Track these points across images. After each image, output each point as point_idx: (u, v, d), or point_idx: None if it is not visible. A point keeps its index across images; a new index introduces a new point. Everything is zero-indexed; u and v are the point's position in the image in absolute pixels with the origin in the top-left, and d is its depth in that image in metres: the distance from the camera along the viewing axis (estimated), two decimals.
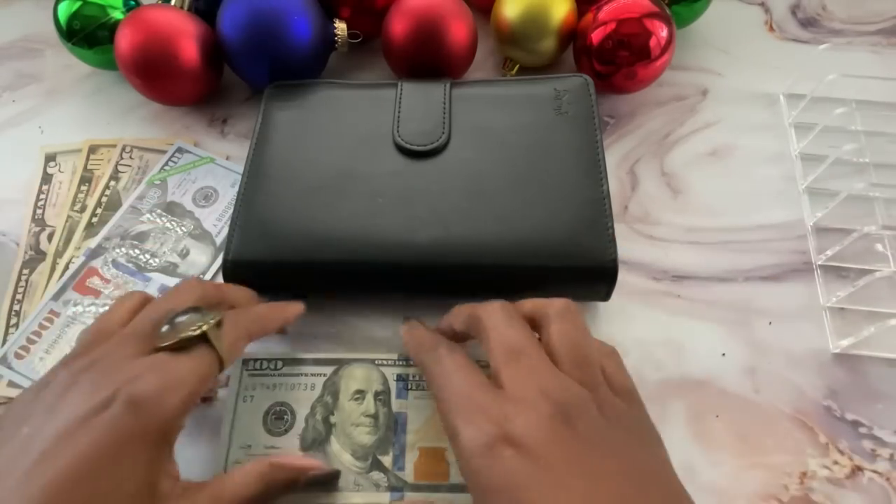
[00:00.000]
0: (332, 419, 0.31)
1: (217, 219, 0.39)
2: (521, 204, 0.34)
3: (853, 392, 0.33)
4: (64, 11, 0.42)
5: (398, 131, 0.37)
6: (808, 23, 0.50)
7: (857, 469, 0.31)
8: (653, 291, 0.36)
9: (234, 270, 0.33)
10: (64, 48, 0.44)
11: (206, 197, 0.40)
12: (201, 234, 0.39)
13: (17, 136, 0.44)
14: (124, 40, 0.39)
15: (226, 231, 0.38)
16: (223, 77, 0.45)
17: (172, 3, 0.43)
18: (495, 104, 0.38)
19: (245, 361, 0.32)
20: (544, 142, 0.36)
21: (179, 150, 0.42)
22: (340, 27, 0.43)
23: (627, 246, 0.38)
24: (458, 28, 0.41)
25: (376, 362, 0.32)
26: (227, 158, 0.42)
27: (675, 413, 0.32)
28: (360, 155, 0.36)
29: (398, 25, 0.41)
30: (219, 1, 0.41)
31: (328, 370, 0.32)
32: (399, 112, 0.37)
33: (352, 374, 0.32)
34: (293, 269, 0.33)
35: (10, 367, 0.34)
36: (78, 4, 0.42)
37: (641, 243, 0.38)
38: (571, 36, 0.44)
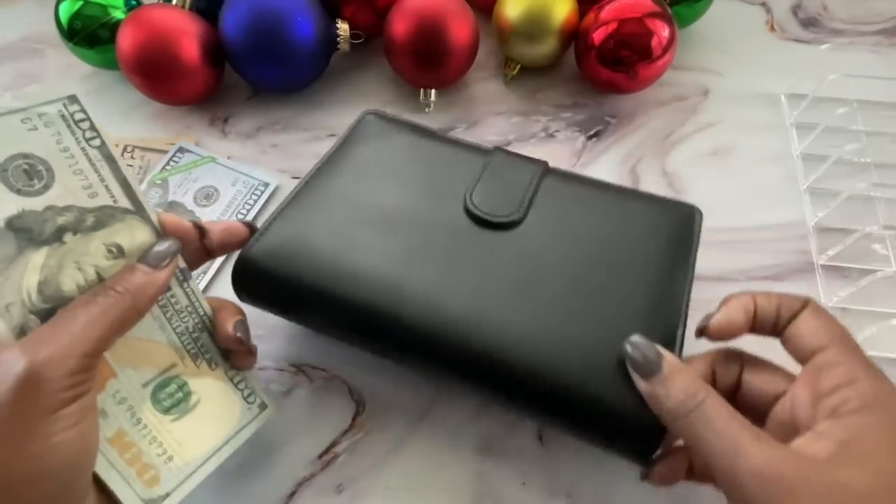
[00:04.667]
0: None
1: (218, 218, 0.39)
2: (576, 310, 0.29)
3: None
4: (65, 11, 0.42)
5: (471, 195, 0.33)
6: (809, 23, 0.50)
7: None
8: None
9: (244, 268, 0.30)
10: (65, 48, 0.44)
11: (207, 196, 0.40)
12: None
13: None
14: (125, 40, 0.39)
15: None
16: (224, 76, 0.45)
17: (174, 2, 0.43)
18: (586, 205, 0.33)
19: None
20: (625, 259, 0.31)
21: (181, 149, 0.42)
22: (343, 27, 0.43)
23: None
24: (460, 28, 0.41)
25: None
26: (229, 157, 0.42)
27: None
28: (421, 203, 0.33)
29: (400, 25, 0.41)
30: (220, 0, 0.41)
31: None
32: (481, 177, 0.34)
33: None
34: (303, 291, 0.30)
35: None
36: (79, 4, 0.42)
37: None
38: (573, 36, 0.44)
